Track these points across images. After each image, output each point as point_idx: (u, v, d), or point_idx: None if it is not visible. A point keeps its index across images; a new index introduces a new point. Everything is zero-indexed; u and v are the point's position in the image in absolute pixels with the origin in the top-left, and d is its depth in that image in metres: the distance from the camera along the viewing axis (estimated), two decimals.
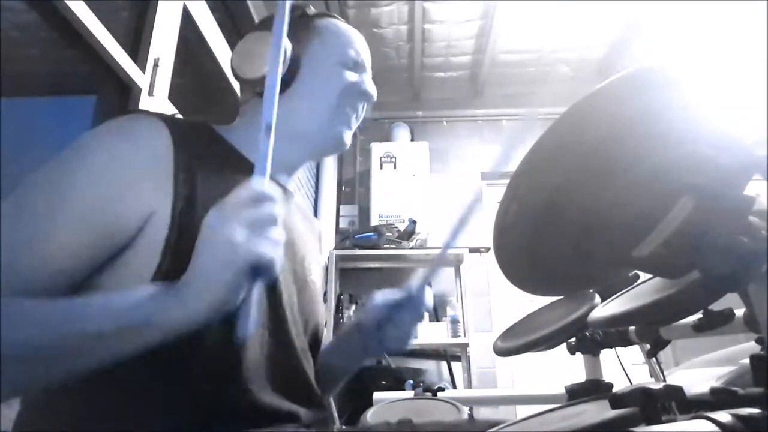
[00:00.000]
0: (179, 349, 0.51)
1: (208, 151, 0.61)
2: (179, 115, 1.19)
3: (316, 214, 2.92)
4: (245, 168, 0.63)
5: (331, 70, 0.70)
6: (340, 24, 0.75)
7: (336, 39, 0.72)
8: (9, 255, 0.44)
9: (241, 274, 0.42)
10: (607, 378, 1.13)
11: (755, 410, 0.40)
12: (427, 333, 2.51)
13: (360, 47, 0.74)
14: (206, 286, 0.42)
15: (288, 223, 0.69)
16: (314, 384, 0.66)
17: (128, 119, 0.56)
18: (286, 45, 0.64)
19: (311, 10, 0.75)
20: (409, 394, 1.31)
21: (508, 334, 1.25)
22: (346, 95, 0.70)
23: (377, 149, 3.09)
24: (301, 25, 0.71)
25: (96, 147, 0.53)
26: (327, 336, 2.47)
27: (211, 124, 0.68)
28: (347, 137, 0.72)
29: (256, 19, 2.23)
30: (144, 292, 0.44)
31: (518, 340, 1.14)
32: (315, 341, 0.72)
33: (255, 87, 0.66)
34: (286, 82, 0.67)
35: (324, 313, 0.75)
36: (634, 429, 0.46)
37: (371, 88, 0.73)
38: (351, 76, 0.71)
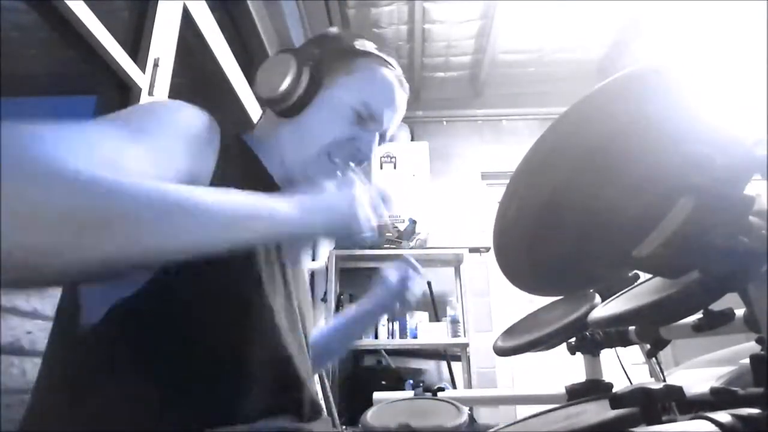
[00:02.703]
0: (192, 348, 0.52)
1: (240, 154, 0.64)
2: None
3: None
4: (263, 176, 0.68)
5: (340, 116, 0.69)
6: (382, 72, 0.72)
7: (364, 85, 0.70)
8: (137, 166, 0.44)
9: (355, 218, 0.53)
10: (607, 378, 1.13)
11: (755, 410, 0.40)
12: (427, 333, 2.50)
13: (387, 103, 0.71)
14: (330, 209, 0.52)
15: None
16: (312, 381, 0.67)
17: (193, 107, 0.59)
18: (309, 66, 0.68)
19: (362, 44, 0.72)
20: (409, 394, 1.31)
21: (508, 334, 1.24)
22: (338, 147, 0.69)
23: (377, 149, 3.09)
24: (341, 54, 0.70)
25: (178, 107, 0.56)
26: None
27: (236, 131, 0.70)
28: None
29: (256, 19, 2.23)
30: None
31: (518, 340, 1.14)
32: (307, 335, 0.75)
33: (272, 105, 0.68)
34: (300, 104, 0.67)
35: (312, 314, 0.80)
36: (634, 429, 0.46)
37: (368, 150, 0.71)
38: (354, 131, 0.69)
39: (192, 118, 0.56)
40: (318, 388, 1.04)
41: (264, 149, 0.70)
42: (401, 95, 0.74)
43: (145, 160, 0.45)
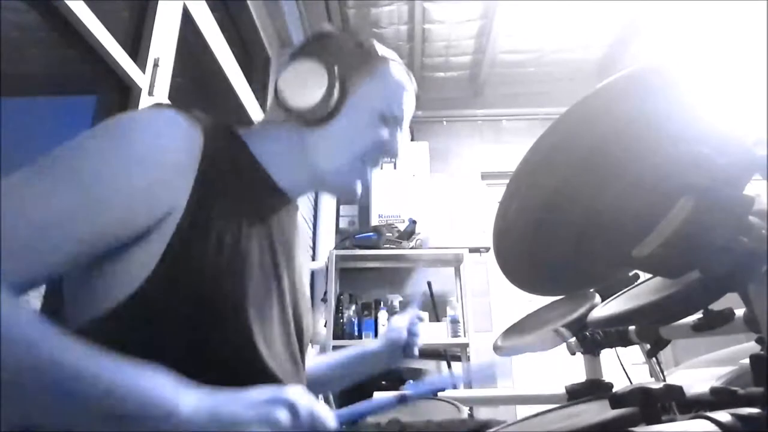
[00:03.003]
0: (196, 356, 0.52)
1: (232, 160, 0.62)
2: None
3: (316, 213, 2.91)
4: (264, 182, 0.66)
5: (369, 122, 0.69)
6: (396, 71, 0.73)
7: (386, 88, 0.71)
8: (43, 217, 0.44)
9: None
10: (607, 378, 1.13)
11: (755, 410, 0.40)
12: (427, 333, 2.50)
13: (406, 101, 0.73)
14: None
15: (290, 238, 0.70)
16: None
17: (167, 113, 0.56)
18: (338, 76, 0.66)
19: (380, 49, 0.73)
20: None
21: (508, 334, 1.25)
22: (373, 151, 0.70)
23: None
24: (362, 60, 0.70)
25: (137, 137, 0.53)
26: (326, 336, 2.47)
27: (235, 129, 0.68)
28: (359, 189, 0.71)
29: (256, 19, 2.23)
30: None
31: (518, 340, 1.14)
32: (303, 346, 0.74)
33: (300, 115, 0.66)
34: (331, 114, 0.66)
35: (311, 321, 0.78)
36: (634, 429, 0.46)
37: (398, 147, 0.72)
38: (384, 133, 0.70)
39: (158, 142, 0.53)
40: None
41: (268, 151, 0.68)
42: (412, 88, 0.76)
43: (79, 209, 0.46)
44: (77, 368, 0.39)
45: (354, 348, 0.91)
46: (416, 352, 0.88)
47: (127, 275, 0.51)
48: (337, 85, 0.65)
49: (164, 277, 0.51)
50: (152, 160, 0.52)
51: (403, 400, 0.62)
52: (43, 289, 0.60)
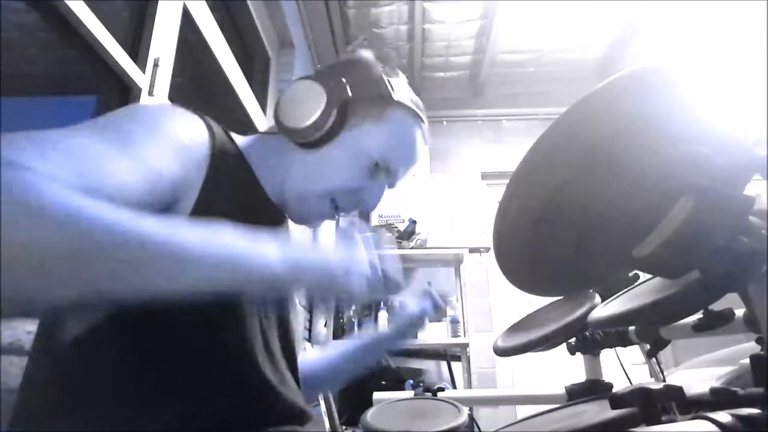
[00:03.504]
0: (189, 351, 0.52)
1: (232, 166, 0.62)
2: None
3: None
4: (256, 189, 0.65)
5: (357, 161, 0.65)
6: (411, 128, 0.68)
7: (390, 138, 0.66)
8: (107, 168, 0.43)
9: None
10: (607, 378, 1.13)
11: (755, 410, 0.40)
12: (427, 333, 2.50)
13: (407, 160, 0.69)
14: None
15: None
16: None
17: (187, 113, 0.57)
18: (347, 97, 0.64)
19: (400, 93, 0.68)
20: (409, 394, 1.31)
21: (508, 334, 1.25)
22: (346, 195, 0.66)
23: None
24: (374, 100, 0.66)
25: (171, 122, 0.53)
26: (326, 336, 2.47)
27: (229, 134, 0.66)
28: (315, 225, 0.70)
29: (256, 19, 2.23)
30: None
31: (518, 340, 1.14)
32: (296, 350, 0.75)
33: (290, 135, 0.63)
34: (320, 141, 0.64)
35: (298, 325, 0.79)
36: (634, 429, 0.46)
37: (374, 202, 0.68)
38: (366, 183, 0.66)
39: (180, 124, 0.54)
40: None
41: (262, 163, 0.66)
42: (422, 153, 0.72)
43: (129, 173, 0.44)
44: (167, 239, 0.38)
45: (363, 335, 0.92)
46: (422, 330, 0.89)
47: None
48: (334, 113, 0.62)
49: None
50: (183, 131, 0.53)
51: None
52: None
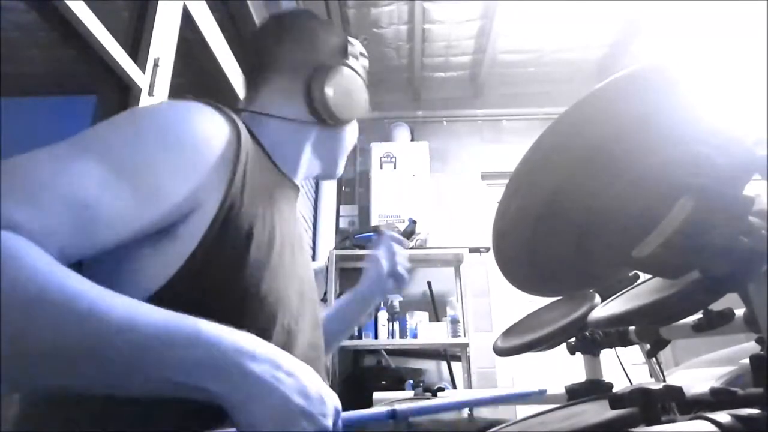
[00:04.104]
0: None
1: (252, 158, 0.61)
2: None
3: (316, 213, 2.92)
4: (276, 178, 0.67)
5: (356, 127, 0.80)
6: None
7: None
8: (106, 200, 0.44)
9: None
10: (607, 378, 1.13)
11: (755, 410, 0.40)
12: (427, 333, 2.50)
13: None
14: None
15: (291, 222, 0.70)
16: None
17: (204, 108, 0.57)
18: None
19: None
20: (409, 394, 1.31)
21: (508, 334, 1.25)
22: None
23: (377, 149, 3.09)
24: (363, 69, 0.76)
25: (181, 128, 0.53)
26: None
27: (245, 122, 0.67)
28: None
29: (256, 19, 2.23)
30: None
31: (518, 340, 1.14)
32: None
33: (328, 118, 0.70)
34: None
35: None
36: (634, 429, 0.46)
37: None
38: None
39: (196, 130, 0.53)
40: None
41: (275, 144, 0.68)
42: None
43: (130, 198, 0.45)
44: (90, 306, 0.38)
45: (342, 298, 0.91)
46: (404, 272, 0.89)
47: (159, 266, 0.50)
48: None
49: (196, 268, 0.50)
50: (203, 137, 0.53)
51: (393, 416, 0.61)
52: None
